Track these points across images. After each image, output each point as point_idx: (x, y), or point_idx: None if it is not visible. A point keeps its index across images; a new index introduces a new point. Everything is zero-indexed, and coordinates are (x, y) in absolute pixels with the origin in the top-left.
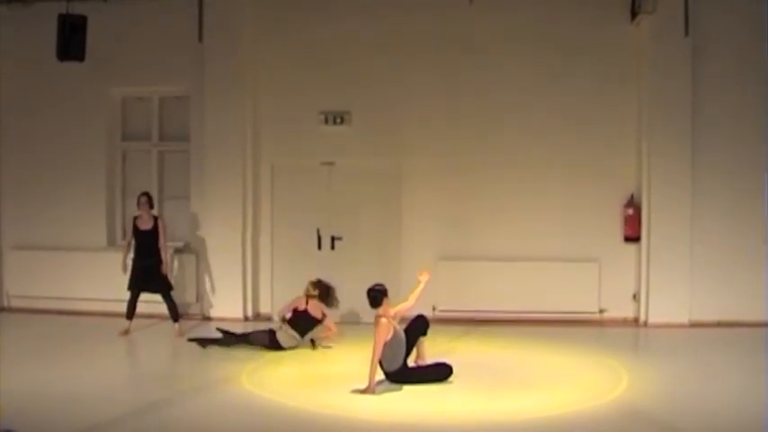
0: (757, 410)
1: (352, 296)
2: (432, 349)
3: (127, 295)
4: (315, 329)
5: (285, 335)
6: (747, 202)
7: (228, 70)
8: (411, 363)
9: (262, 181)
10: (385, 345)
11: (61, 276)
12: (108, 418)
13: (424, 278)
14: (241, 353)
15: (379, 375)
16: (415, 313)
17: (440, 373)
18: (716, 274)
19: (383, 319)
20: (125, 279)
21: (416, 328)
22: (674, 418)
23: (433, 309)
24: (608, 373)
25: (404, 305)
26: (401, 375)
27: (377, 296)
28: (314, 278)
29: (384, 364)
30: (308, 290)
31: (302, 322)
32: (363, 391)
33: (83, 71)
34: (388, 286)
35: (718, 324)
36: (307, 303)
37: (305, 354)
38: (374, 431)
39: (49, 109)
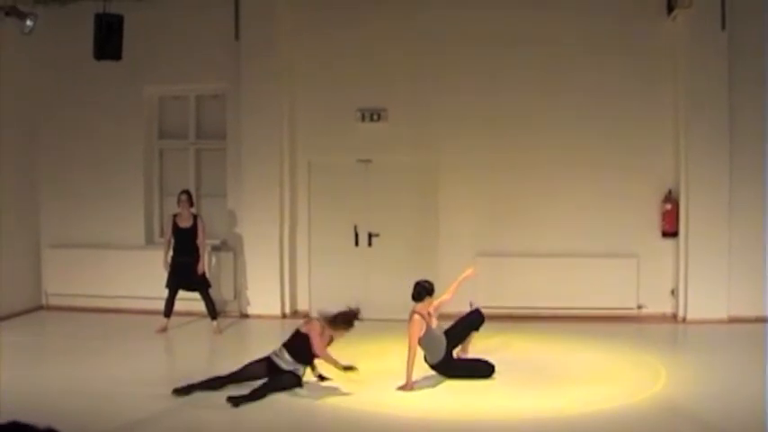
0: None
1: (389, 292)
2: (473, 346)
3: (165, 293)
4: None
5: (281, 359)
6: None
7: (265, 68)
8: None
9: (299, 178)
10: (419, 341)
11: (99, 274)
12: (145, 415)
13: (468, 272)
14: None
15: (422, 372)
16: (460, 303)
17: (482, 370)
18: (754, 269)
19: (416, 316)
20: (163, 277)
21: (470, 321)
22: (712, 414)
23: (471, 305)
24: (646, 370)
25: (441, 299)
26: (444, 366)
27: (421, 292)
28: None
29: (427, 357)
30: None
31: (298, 346)
32: (402, 388)
33: (119, 70)
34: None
35: (757, 320)
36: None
37: (344, 350)
38: (412, 428)
39: (87, 108)
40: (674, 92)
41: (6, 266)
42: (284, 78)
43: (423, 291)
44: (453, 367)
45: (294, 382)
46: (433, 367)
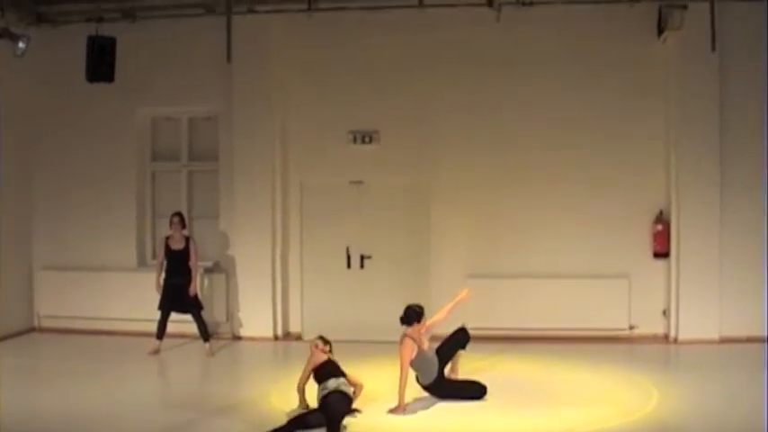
0: None
1: (381, 314)
2: (463, 367)
3: (157, 315)
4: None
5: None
6: None
7: (257, 90)
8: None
9: (291, 200)
10: (411, 363)
11: (92, 296)
12: None
13: (463, 293)
14: (271, 373)
15: (414, 394)
16: (454, 327)
17: (474, 391)
18: (746, 289)
19: (407, 338)
20: (155, 299)
21: (456, 340)
22: None
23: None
24: (638, 390)
25: (434, 319)
26: (437, 387)
27: (410, 315)
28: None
29: (419, 378)
30: (316, 344)
31: (330, 370)
32: (394, 411)
33: (112, 92)
34: (418, 303)
35: (749, 340)
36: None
37: None
38: None
39: (79, 130)
40: (664, 112)
41: None
42: (276, 101)
43: (413, 314)
44: (445, 387)
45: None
46: (425, 388)
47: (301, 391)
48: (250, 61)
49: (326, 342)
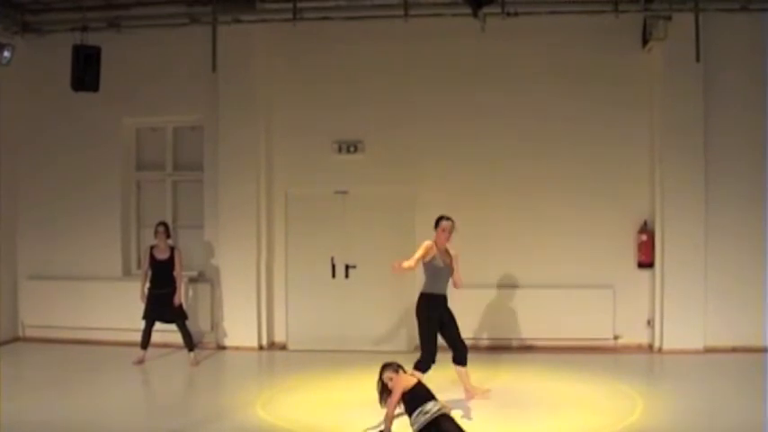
0: None
1: (365, 324)
2: (448, 378)
3: (142, 324)
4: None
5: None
6: (761, 226)
7: (242, 100)
8: None
9: (276, 210)
10: (425, 263)
11: (76, 306)
12: None
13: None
14: (256, 382)
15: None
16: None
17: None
18: (730, 299)
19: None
20: (140, 308)
21: (453, 344)
22: None
23: None
24: (622, 400)
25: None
26: (437, 304)
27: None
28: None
29: (427, 284)
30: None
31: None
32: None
33: (97, 101)
34: (402, 313)
35: (733, 350)
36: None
37: (322, 380)
38: None
39: (64, 139)
40: (649, 123)
41: None
42: (261, 110)
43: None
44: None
45: None
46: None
47: (391, 419)
48: (235, 71)
49: (400, 366)
